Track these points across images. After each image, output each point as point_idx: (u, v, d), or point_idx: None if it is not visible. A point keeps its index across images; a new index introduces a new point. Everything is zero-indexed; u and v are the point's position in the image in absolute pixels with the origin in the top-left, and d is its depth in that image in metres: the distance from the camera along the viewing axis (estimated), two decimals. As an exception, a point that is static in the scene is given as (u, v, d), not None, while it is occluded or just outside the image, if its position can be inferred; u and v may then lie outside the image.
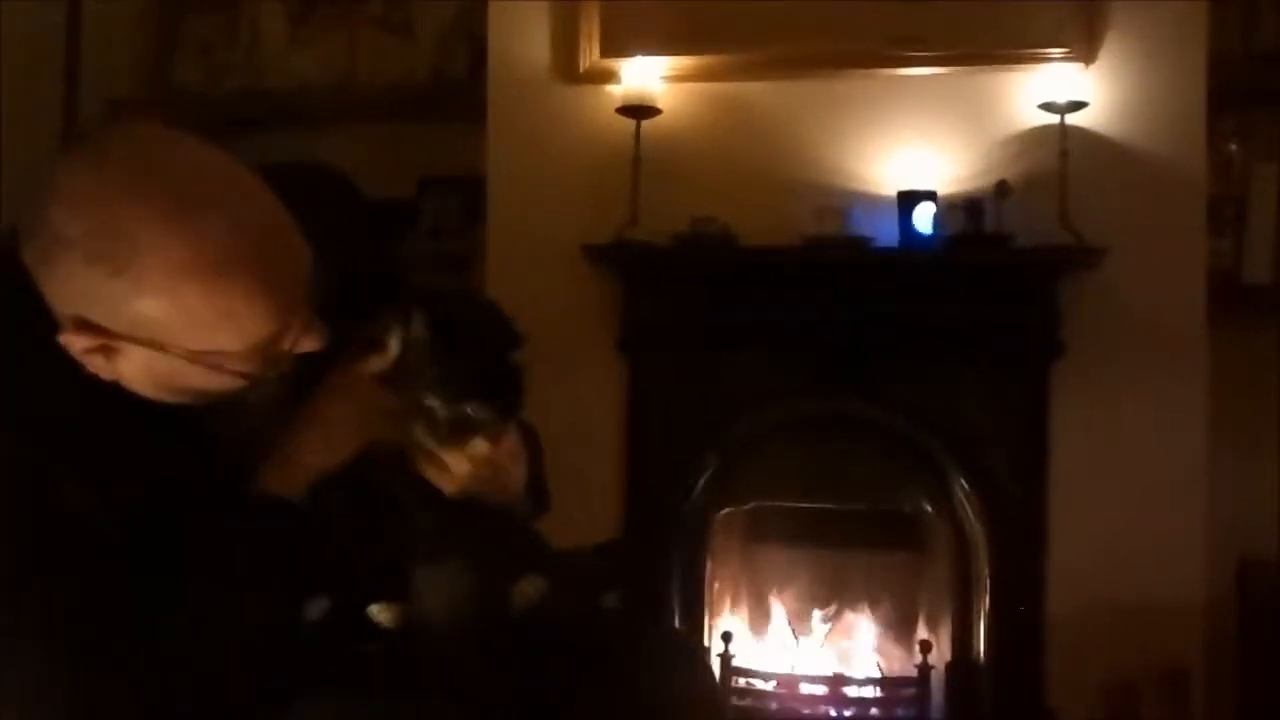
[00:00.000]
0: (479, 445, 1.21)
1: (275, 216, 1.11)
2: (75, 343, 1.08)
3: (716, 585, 3.09)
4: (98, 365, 1.10)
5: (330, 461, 1.21)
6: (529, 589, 1.29)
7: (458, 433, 1.19)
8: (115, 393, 1.13)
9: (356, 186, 1.45)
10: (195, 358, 1.09)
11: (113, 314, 1.06)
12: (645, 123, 2.95)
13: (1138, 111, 2.82)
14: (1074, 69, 2.81)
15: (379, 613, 1.23)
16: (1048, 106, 2.78)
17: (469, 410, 1.18)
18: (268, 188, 1.11)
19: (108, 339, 1.08)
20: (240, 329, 1.08)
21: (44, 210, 1.06)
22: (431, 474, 1.23)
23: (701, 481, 3.00)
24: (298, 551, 1.18)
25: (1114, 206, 2.79)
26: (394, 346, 1.19)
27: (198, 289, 1.04)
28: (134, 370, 1.11)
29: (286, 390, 1.22)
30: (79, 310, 1.07)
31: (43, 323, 1.10)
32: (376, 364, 1.20)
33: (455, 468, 1.22)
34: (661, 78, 2.98)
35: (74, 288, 1.06)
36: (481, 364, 1.20)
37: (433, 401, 1.18)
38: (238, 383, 1.13)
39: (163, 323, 1.06)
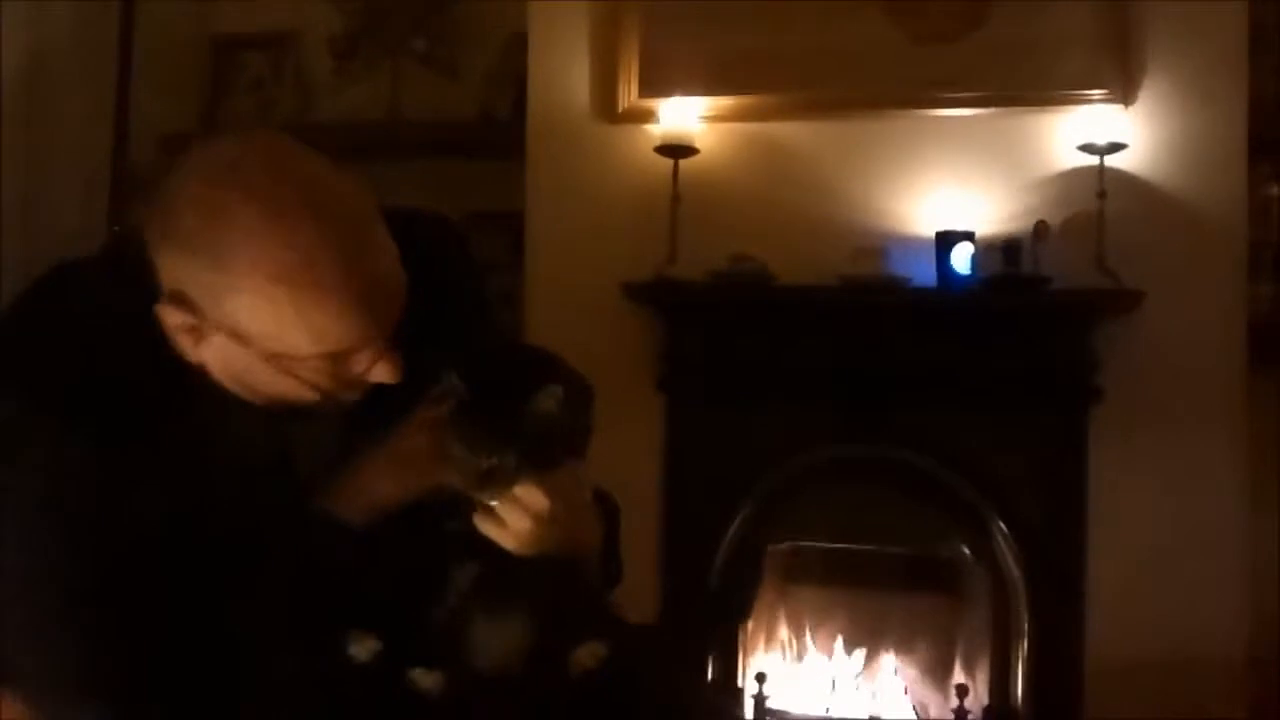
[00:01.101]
0: (536, 498, 1.18)
1: (372, 239, 1.15)
2: (169, 316, 1.13)
3: (751, 624, 3.08)
4: (185, 344, 1.15)
5: (399, 494, 1.21)
6: (588, 657, 1.23)
7: (485, 482, 1.17)
8: (196, 404, 1.17)
9: (463, 235, 1.47)
10: (270, 359, 1.13)
11: (207, 302, 1.12)
12: (683, 162, 2.97)
13: (1177, 153, 2.80)
14: (1113, 110, 2.80)
15: (421, 677, 1.19)
16: (1087, 148, 2.76)
17: (494, 460, 1.15)
18: (379, 215, 1.16)
19: (198, 321, 1.13)
20: (314, 336, 1.12)
21: (169, 193, 1.13)
22: (489, 529, 1.20)
23: (739, 520, 2.99)
24: (352, 577, 1.19)
25: (1152, 249, 2.77)
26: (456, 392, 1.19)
27: (283, 294, 1.09)
28: (214, 357, 1.15)
29: (345, 424, 1.24)
30: (181, 288, 1.13)
31: (136, 328, 1.15)
32: (442, 409, 1.20)
33: (513, 523, 1.19)
34: (700, 118, 3.00)
35: (178, 271, 1.12)
36: (505, 415, 1.17)
37: (459, 450, 1.16)
38: (306, 392, 1.16)
39: (245, 321, 1.11)
